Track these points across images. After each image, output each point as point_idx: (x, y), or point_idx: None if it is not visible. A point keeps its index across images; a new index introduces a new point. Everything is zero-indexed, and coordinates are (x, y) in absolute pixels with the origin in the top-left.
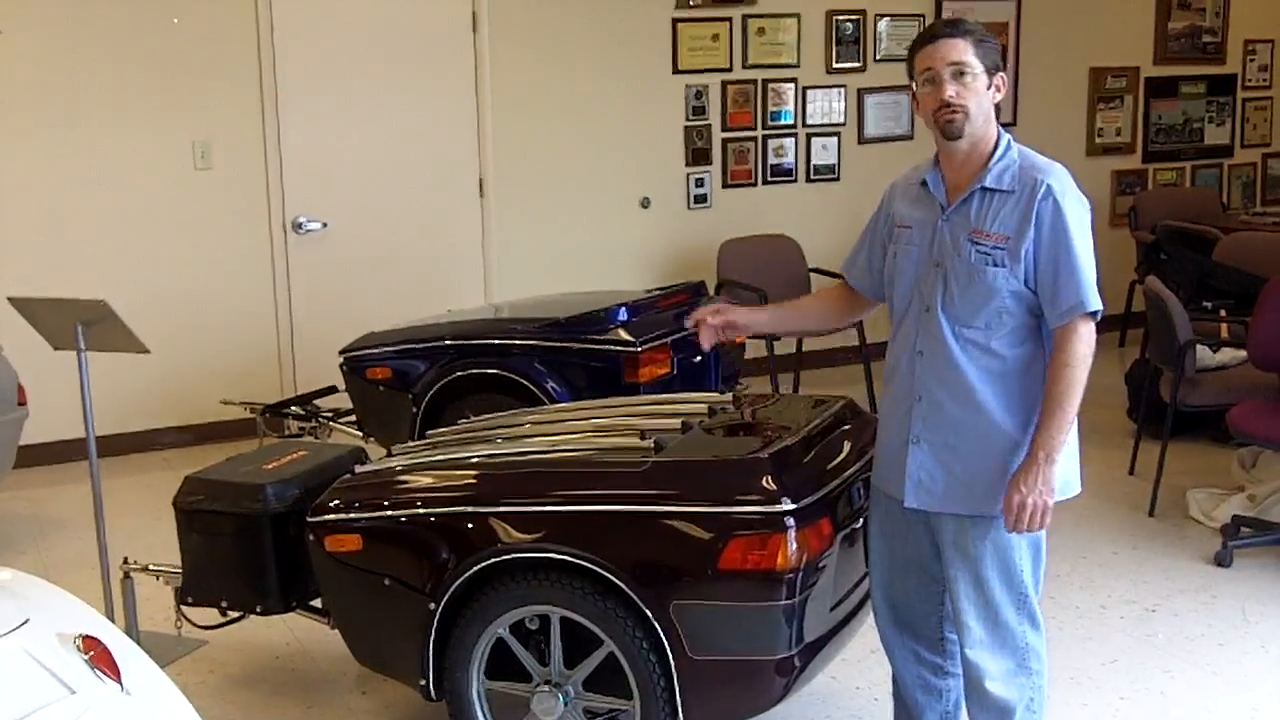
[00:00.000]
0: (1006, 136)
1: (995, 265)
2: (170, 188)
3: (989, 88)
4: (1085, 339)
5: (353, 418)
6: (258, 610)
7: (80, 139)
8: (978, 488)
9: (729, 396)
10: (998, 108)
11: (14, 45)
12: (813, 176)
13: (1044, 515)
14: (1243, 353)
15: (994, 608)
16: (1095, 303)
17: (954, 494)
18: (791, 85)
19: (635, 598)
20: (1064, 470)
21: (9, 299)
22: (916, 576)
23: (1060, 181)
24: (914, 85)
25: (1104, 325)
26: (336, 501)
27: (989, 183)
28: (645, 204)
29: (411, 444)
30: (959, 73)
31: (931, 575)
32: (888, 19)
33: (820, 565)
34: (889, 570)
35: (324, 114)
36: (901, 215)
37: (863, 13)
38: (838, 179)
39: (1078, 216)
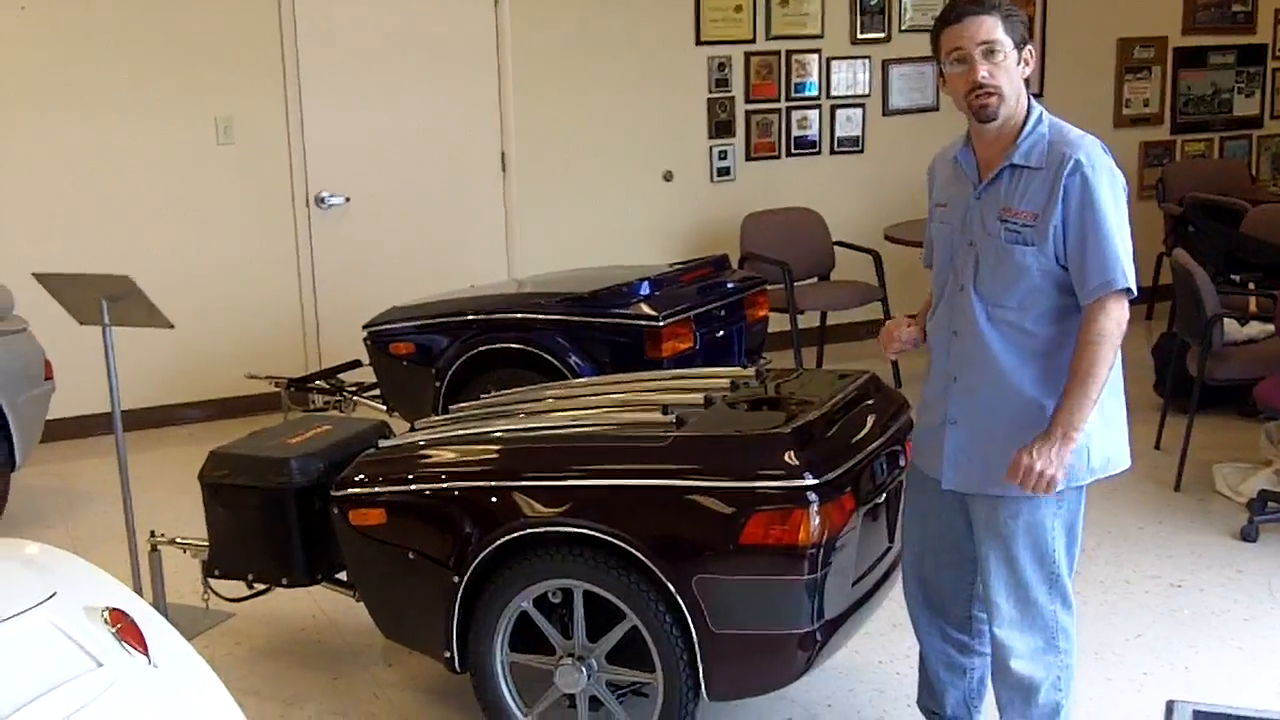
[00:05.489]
0: (1039, 109)
1: (1024, 244)
2: (192, 163)
3: (1019, 64)
4: (1113, 316)
5: (377, 392)
6: (284, 583)
7: (102, 115)
8: None
9: (751, 371)
10: (1026, 81)
11: (36, 21)
12: (837, 148)
13: (1048, 486)
14: (1271, 326)
15: (1024, 587)
16: (1126, 280)
17: (989, 475)
18: (815, 56)
19: (658, 572)
20: (1110, 445)
21: (34, 275)
22: (948, 555)
23: (1090, 155)
24: (941, 64)
25: (1131, 299)
26: (361, 475)
27: (1017, 159)
28: (668, 177)
29: (435, 418)
30: (990, 51)
31: (963, 554)
32: None
33: (842, 540)
34: (921, 547)
35: (346, 88)
36: (939, 193)
37: None
38: (862, 151)
39: (1108, 191)
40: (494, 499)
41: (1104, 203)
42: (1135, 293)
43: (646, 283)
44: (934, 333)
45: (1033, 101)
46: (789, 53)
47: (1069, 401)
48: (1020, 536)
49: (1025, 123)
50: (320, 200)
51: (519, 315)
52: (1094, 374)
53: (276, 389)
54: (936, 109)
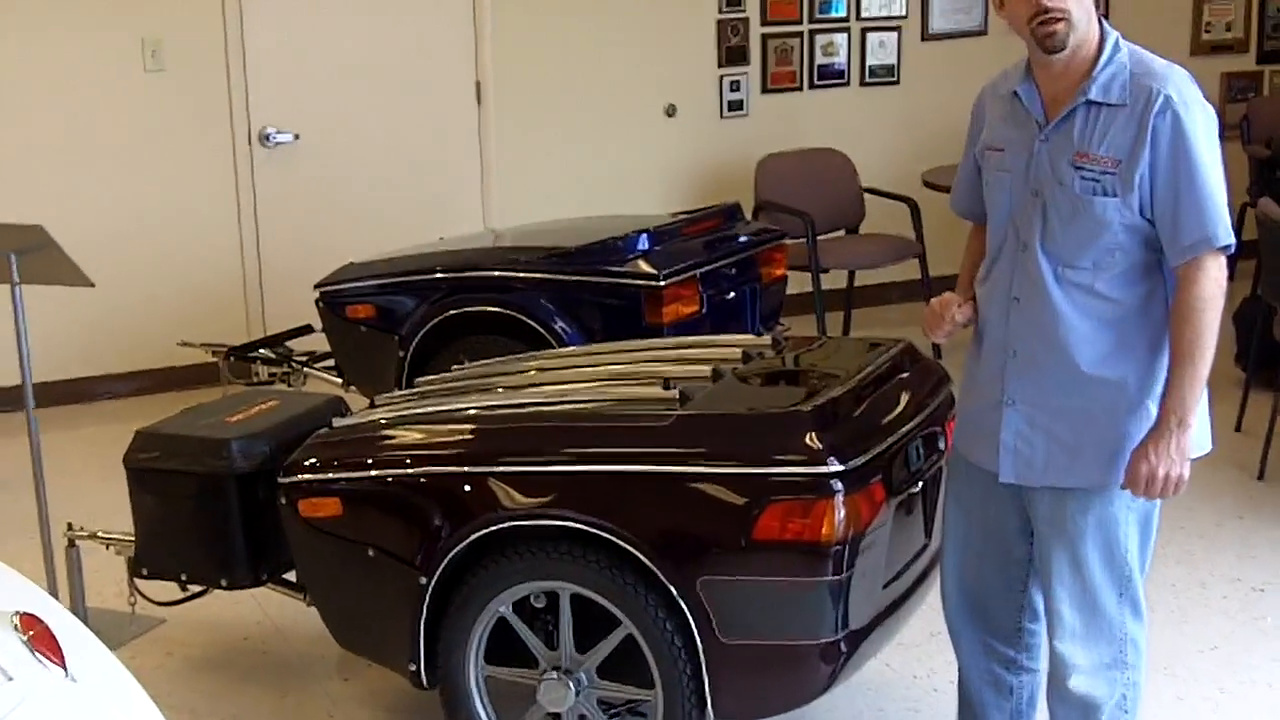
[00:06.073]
0: (1114, 35)
1: (1104, 194)
2: (115, 93)
3: None
4: (1212, 277)
5: (331, 362)
6: (223, 584)
7: (10, 36)
8: (1085, 456)
9: (767, 339)
10: (1095, 2)
11: None
12: (868, 79)
13: (1176, 487)
14: None
15: (1092, 593)
16: (1225, 235)
17: (1056, 464)
18: None
19: (658, 572)
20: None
21: None
22: (996, 557)
23: (1181, 90)
24: None
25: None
26: (312, 459)
27: (1094, 95)
28: (671, 112)
29: (398, 393)
30: None
31: (1013, 556)
32: None
33: (871, 537)
34: (964, 548)
35: (295, 6)
36: (993, 135)
37: None
38: (897, 82)
39: (1203, 132)
40: (467, 487)
41: (1199, 146)
42: (1233, 248)
43: (645, 236)
44: (988, 300)
45: (1106, 26)
46: None
47: (1177, 384)
48: (1089, 535)
49: (1100, 51)
50: (265, 137)
51: (496, 273)
52: (1201, 347)
53: (214, 358)
54: (984, 33)
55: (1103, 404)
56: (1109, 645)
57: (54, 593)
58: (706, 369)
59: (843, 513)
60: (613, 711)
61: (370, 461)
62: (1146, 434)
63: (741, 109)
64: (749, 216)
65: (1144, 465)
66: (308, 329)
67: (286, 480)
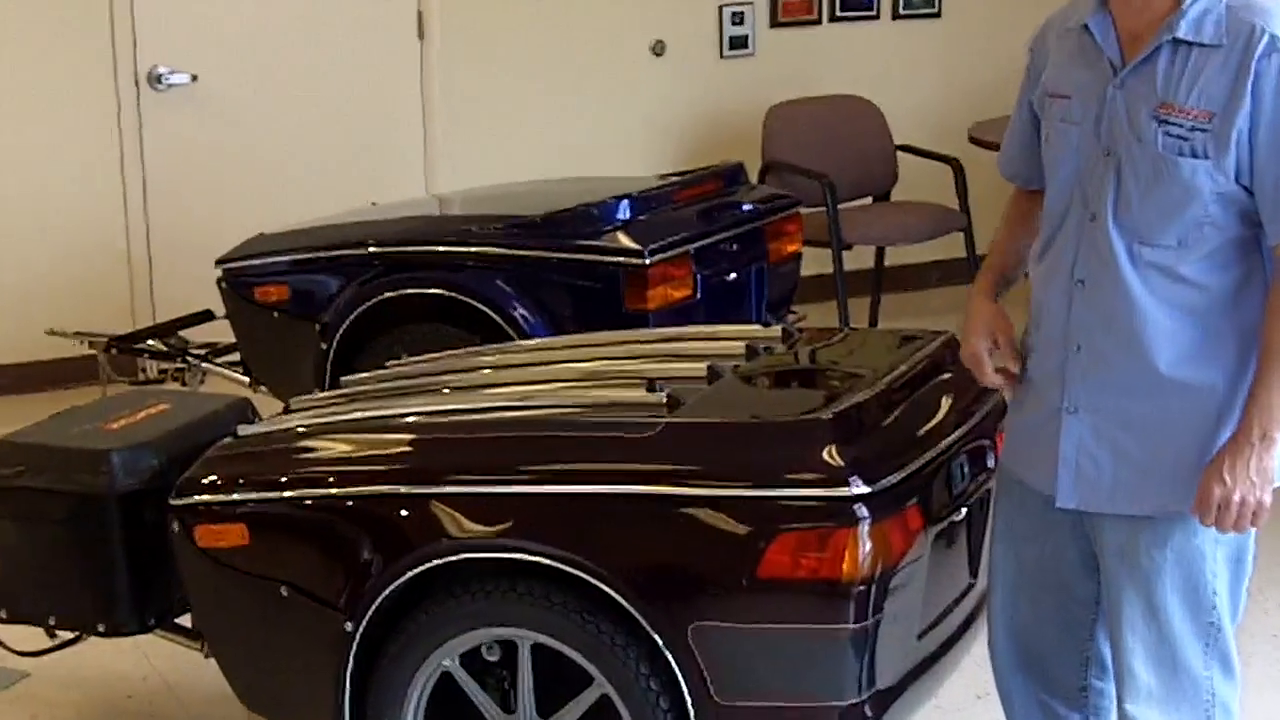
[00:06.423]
0: None
1: (1193, 155)
2: None
3: None
4: None
5: (235, 356)
6: (100, 630)
7: None
8: (1162, 476)
9: (777, 331)
10: None
11: None
12: (902, 11)
13: (1256, 515)
14: None
15: (1171, 645)
16: None
17: (1127, 486)
18: None
19: (639, 618)
20: None
21: None
22: (1054, 598)
23: None
24: None
25: None
26: (212, 476)
27: (1183, 32)
28: (659, 50)
29: (320, 395)
30: None
31: (1075, 598)
32: None
33: (903, 575)
34: (1016, 589)
35: None
36: (1057, 78)
37: None
38: (938, 14)
39: None
40: (404, 512)
41: None
42: None
43: (626, 202)
44: (1045, 283)
45: None
46: None
47: (1265, 388)
48: (1167, 573)
49: None
50: (156, 79)
51: (442, 247)
52: None
53: (91, 351)
54: None
55: (1184, 413)
56: (1193, 709)
57: None
58: (702, 367)
59: (869, 545)
60: None
61: (284, 479)
62: (1222, 448)
63: (746, 46)
64: (754, 180)
65: (1217, 488)
66: (207, 315)
67: (180, 502)
